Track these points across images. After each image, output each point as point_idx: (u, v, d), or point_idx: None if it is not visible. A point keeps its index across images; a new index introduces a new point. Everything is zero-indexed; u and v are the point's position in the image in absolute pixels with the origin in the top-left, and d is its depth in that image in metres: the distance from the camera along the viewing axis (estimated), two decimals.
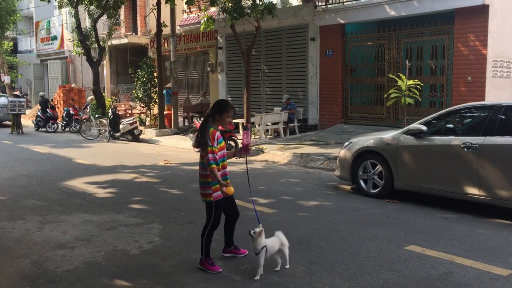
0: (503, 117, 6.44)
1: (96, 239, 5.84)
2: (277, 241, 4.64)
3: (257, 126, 14.52)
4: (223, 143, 4.70)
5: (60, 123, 20.23)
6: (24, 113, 20.61)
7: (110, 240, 5.77)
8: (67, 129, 19.83)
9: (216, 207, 4.73)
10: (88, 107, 20.63)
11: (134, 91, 20.39)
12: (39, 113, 20.34)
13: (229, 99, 19.46)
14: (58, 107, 22.52)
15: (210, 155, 4.51)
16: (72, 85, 24.72)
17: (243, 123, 14.24)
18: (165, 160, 11.81)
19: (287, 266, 4.65)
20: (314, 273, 4.67)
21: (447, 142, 6.75)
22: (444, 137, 6.93)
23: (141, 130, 16.79)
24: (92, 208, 7.29)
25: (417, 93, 11.29)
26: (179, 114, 18.48)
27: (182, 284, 4.50)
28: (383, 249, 5.26)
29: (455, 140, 6.66)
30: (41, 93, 21.98)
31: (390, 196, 7.49)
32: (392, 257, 5.03)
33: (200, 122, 13.38)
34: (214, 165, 4.50)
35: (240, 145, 4.86)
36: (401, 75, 11.49)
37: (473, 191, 6.44)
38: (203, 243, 4.76)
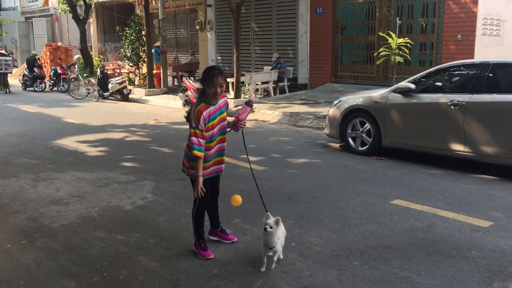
0: (491, 74, 6.54)
1: (90, 195, 5.94)
2: (282, 231, 3.97)
3: (247, 86, 14.50)
4: (219, 117, 4.03)
5: (48, 82, 19.98)
6: (11, 72, 20.29)
7: (103, 197, 5.88)
8: (55, 88, 19.61)
9: (205, 185, 4.08)
10: (76, 66, 20.33)
11: (122, 50, 20.10)
12: (26, 72, 20.06)
13: (219, 58, 19.32)
14: (45, 66, 22.17)
15: (192, 138, 3.87)
16: (59, 44, 24.25)
17: (248, 101, 14.18)
18: (155, 119, 11.83)
19: (281, 257, 4.00)
20: (302, 226, 4.84)
21: (435, 100, 6.86)
22: (432, 95, 7.03)
23: (130, 90, 16.68)
24: (84, 166, 7.37)
25: (407, 51, 11.30)
26: (168, 73, 18.33)
27: (175, 237, 4.65)
28: (370, 204, 5.44)
29: (443, 98, 6.76)
30: (33, 52, 21.58)
31: (378, 153, 7.64)
32: (378, 210, 5.21)
33: (190, 81, 13.35)
34: (196, 152, 3.86)
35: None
36: (391, 33, 11.45)
37: (458, 147, 6.60)
38: (192, 224, 4.29)
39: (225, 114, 4.10)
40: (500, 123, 6.20)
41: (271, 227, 3.76)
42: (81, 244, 4.54)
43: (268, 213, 3.89)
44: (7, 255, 4.39)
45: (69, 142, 9.13)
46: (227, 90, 14.23)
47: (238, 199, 4.05)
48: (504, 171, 6.43)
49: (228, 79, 14.76)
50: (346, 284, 3.68)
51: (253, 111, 4.32)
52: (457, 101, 6.51)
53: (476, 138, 6.41)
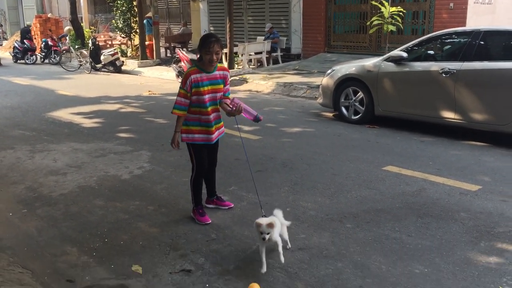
0: (482, 42, 6.60)
1: (87, 166, 6.03)
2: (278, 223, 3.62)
3: (240, 56, 14.45)
4: (211, 87, 4.02)
5: (39, 54, 19.77)
6: (1, 44, 20.03)
7: (101, 167, 5.97)
8: (46, 60, 19.42)
9: (193, 150, 4.27)
10: (67, 38, 20.08)
11: (113, 21, 19.85)
12: (16, 45, 19.82)
13: (211, 28, 19.15)
14: (35, 38, 21.88)
15: (176, 98, 4.04)
16: (49, 15, 23.88)
17: (258, 118, 14.07)
18: (149, 91, 11.82)
19: (289, 246, 3.73)
20: (297, 192, 4.97)
21: (426, 68, 6.93)
22: (424, 63, 7.09)
23: (122, 61, 16.59)
24: (80, 137, 7.43)
25: (400, 20, 11.29)
26: (160, 44, 18.17)
27: (173, 204, 4.77)
28: (362, 170, 5.57)
29: (434, 66, 6.83)
30: (27, 23, 21.25)
31: (371, 122, 7.75)
32: (370, 176, 5.35)
33: (183, 52, 13.29)
34: (175, 110, 4.04)
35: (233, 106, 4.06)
36: (384, 2, 11.40)
37: (449, 115, 6.71)
38: (191, 190, 4.38)
39: (220, 86, 4.08)
40: (490, 90, 6.30)
41: (268, 233, 3.37)
42: (81, 212, 4.65)
43: (258, 220, 3.43)
44: (9, 223, 4.50)
45: (64, 114, 9.15)
46: (220, 61, 14.20)
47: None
48: (493, 138, 6.57)
49: None
50: (339, 245, 3.83)
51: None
52: (448, 69, 6.59)
53: (466, 106, 6.51)
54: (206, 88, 4.02)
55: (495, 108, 6.27)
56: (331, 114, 8.63)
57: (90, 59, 16.22)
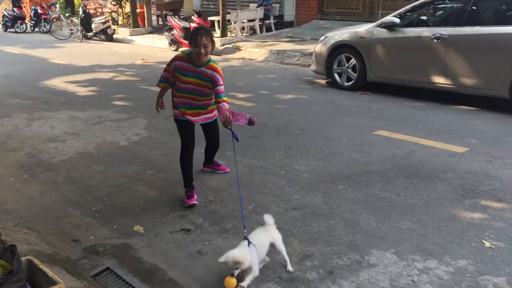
0: (473, 7, 6.66)
1: (85, 133, 6.13)
2: (265, 235, 3.13)
3: (233, 24, 14.37)
4: (194, 79, 3.97)
5: (29, 23, 19.50)
6: None
7: (98, 134, 6.08)
8: (36, 29, 19.17)
9: (177, 126, 4.30)
10: (57, 5, 19.78)
11: None
12: (6, 13, 19.51)
13: None
14: (24, 6, 21.51)
15: (163, 72, 4.16)
16: None
17: (251, 121, 13.99)
18: (142, 59, 11.81)
19: (289, 268, 3.12)
20: (291, 156, 5.12)
21: (418, 34, 7.01)
22: (416, 28, 7.16)
23: (114, 29, 16.43)
24: (76, 105, 7.50)
25: None
26: (152, 12, 17.97)
27: (171, 169, 4.92)
28: (354, 134, 5.72)
29: (426, 32, 6.91)
30: None
31: (363, 88, 7.86)
32: (362, 140, 5.50)
33: (175, 20, 13.19)
34: (158, 83, 4.24)
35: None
36: None
37: (440, 80, 6.84)
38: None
39: (206, 83, 3.95)
40: (480, 55, 6.41)
41: (236, 269, 2.81)
42: (82, 177, 4.79)
43: (227, 256, 2.84)
44: (11, 188, 4.63)
45: (58, 83, 9.17)
46: (213, 28, 14.12)
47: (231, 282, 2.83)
48: (482, 102, 6.72)
49: (214, 18, 14.61)
50: (331, 205, 4.01)
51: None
52: (440, 34, 6.68)
53: (457, 71, 6.63)
54: (189, 79, 3.98)
55: (484, 73, 6.40)
56: (324, 81, 8.72)
57: (81, 28, 16.05)
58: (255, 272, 2.94)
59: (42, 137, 6.01)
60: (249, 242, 2.96)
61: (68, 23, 17.10)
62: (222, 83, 3.93)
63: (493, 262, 3.14)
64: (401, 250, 3.32)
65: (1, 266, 2.36)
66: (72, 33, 16.54)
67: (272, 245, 3.13)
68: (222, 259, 2.85)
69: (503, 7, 6.66)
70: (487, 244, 3.35)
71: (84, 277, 3.18)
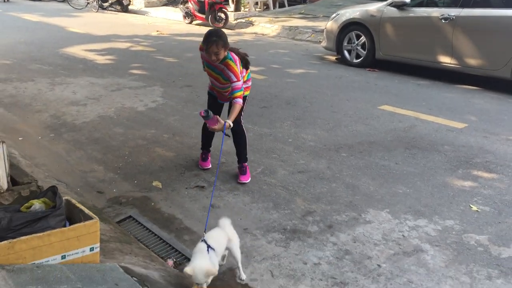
0: None
1: (105, 98, 6.48)
2: (223, 237, 2.84)
3: None
4: (212, 72, 3.96)
5: None
6: None
7: (117, 99, 6.43)
8: None
9: (208, 96, 4.30)
10: None
11: None
12: None
13: None
14: None
15: None
16: None
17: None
18: (157, 31, 12.07)
19: (243, 277, 2.90)
20: (299, 126, 5.45)
21: (428, 14, 7.22)
22: (426, 8, 7.38)
23: (129, 1, 16.63)
24: (95, 72, 7.84)
25: None
26: None
27: (186, 133, 5.27)
28: (360, 108, 6.02)
29: (435, 12, 7.12)
30: None
31: (371, 65, 8.11)
32: (367, 114, 5.81)
33: None
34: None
35: None
36: None
37: (445, 60, 7.08)
38: None
39: (219, 77, 3.89)
40: (485, 36, 6.63)
41: (205, 282, 2.58)
42: (103, 138, 5.16)
43: (193, 270, 2.53)
44: (39, 145, 5.01)
45: (77, 51, 9.49)
46: (226, 2, 14.28)
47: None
48: (486, 82, 6.97)
49: None
50: (334, 170, 4.35)
51: (228, 136, 3.80)
52: (448, 15, 6.89)
53: (462, 51, 6.86)
54: (208, 70, 3.98)
55: (488, 54, 6.63)
56: (334, 58, 8.96)
57: None
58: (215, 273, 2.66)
59: (65, 100, 6.37)
60: (208, 246, 2.68)
61: None
62: (235, 79, 3.72)
63: (478, 223, 3.48)
64: (395, 210, 3.66)
65: (44, 203, 2.73)
66: (88, 3, 16.76)
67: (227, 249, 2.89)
68: (188, 271, 2.52)
69: None
70: (474, 208, 3.68)
71: (109, 222, 3.56)
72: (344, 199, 3.84)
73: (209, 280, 2.60)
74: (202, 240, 2.74)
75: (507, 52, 6.41)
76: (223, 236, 2.84)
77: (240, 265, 2.92)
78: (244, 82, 3.91)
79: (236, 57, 3.78)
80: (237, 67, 3.75)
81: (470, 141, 4.95)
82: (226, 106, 4.07)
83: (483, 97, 6.46)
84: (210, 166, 4.46)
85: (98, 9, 16.22)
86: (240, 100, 3.74)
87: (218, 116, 3.67)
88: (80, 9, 16.68)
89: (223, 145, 3.72)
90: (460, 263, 3.05)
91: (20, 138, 5.12)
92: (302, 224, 3.50)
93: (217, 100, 4.19)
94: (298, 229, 3.44)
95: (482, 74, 6.87)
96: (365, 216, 3.59)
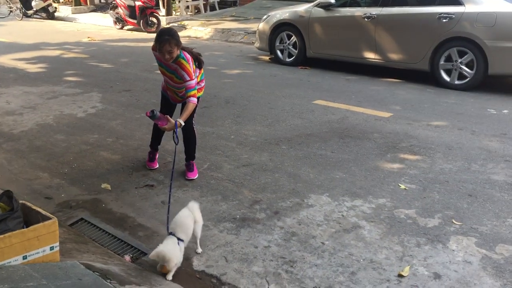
0: None
1: (41, 106, 6.40)
2: (190, 218, 3.14)
3: (177, 2, 14.61)
4: (165, 71, 4.02)
5: None
6: None
7: (55, 107, 6.37)
8: None
9: (161, 95, 4.40)
10: None
11: None
12: None
13: None
14: None
15: None
16: None
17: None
18: (88, 37, 11.89)
19: (199, 250, 3.25)
20: (239, 123, 5.69)
21: (352, 13, 7.73)
22: (349, 8, 7.88)
23: (55, 7, 16.19)
24: (28, 81, 7.67)
25: None
26: None
27: (130, 136, 5.35)
28: (295, 104, 6.37)
29: (358, 11, 7.64)
30: None
31: (303, 63, 8.53)
32: (302, 109, 6.16)
33: None
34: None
35: None
36: None
37: (370, 55, 7.61)
38: None
39: (173, 76, 3.96)
40: (404, 32, 7.21)
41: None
42: (45, 145, 5.14)
43: (157, 253, 2.87)
44: None
45: (5, 60, 9.20)
46: (157, 7, 14.29)
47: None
48: (407, 74, 7.57)
49: None
50: (276, 162, 4.63)
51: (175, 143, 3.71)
52: (370, 13, 7.42)
53: (385, 47, 7.42)
54: (162, 69, 4.03)
55: (408, 49, 7.22)
56: (267, 57, 9.30)
57: (21, 5, 15.70)
58: (178, 264, 2.98)
59: None
60: (178, 239, 2.97)
61: (7, 1, 16.62)
62: (188, 78, 3.80)
63: (406, 199, 3.88)
64: (334, 194, 3.99)
65: (0, 208, 2.78)
66: (11, 11, 16.13)
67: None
68: (152, 255, 2.87)
69: None
70: (402, 186, 4.09)
71: (62, 225, 3.61)
72: (287, 187, 4.12)
73: (167, 264, 2.89)
74: (170, 233, 3.02)
75: (424, 46, 7.01)
76: (191, 220, 3.13)
77: (198, 241, 3.25)
78: (198, 82, 4.03)
79: (188, 56, 3.87)
80: (190, 66, 3.83)
81: (396, 128, 5.42)
82: (178, 107, 4.18)
83: (405, 88, 7.03)
84: (157, 166, 4.58)
85: (22, 17, 15.66)
86: (194, 99, 3.82)
87: (168, 116, 3.76)
88: (3, 18, 16.02)
89: (169, 144, 3.87)
90: (393, 235, 3.41)
91: None
92: (250, 213, 3.73)
93: (170, 101, 4.27)
94: (247, 217, 3.68)
95: (404, 68, 7.46)
96: (307, 201, 3.89)
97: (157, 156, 4.61)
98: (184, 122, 3.81)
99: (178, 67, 3.83)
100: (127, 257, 3.27)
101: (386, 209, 3.75)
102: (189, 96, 3.82)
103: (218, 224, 3.59)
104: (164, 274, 2.99)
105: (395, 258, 3.14)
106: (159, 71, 4.19)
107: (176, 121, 3.70)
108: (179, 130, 3.79)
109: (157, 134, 4.48)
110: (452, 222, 3.54)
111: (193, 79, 3.85)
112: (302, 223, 3.58)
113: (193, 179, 4.32)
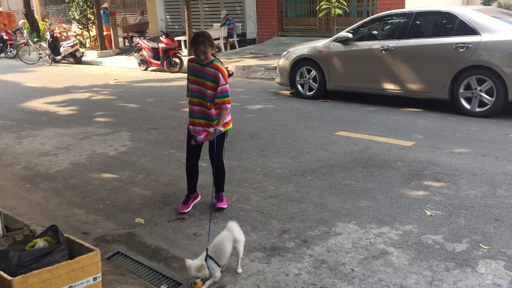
0: (414, 22, 7.66)
1: (74, 147, 6.69)
2: (228, 239, 3.40)
3: None
4: (201, 80, 4.10)
5: None
6: None
7: (87, 147, 6.65)
8: (2, 54, 19.40)
9: (187, 135, 4.38)
10: (25, 31, 20.05)
11: (70, 12, 19.96)
12: None
13: (168, 17, 19.63)
14: None
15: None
16: (0, 9, 23.58)
17: (185, 40, 14.73)
18: (115, 79, 12.37)
19: (239, 270, 3.45)
20: (264, 156, 5.86)
21: (369, 46, 7.94)
22: (367, 42, 8.10)
23: (82, 52, 16.90)
24: (60, 123, 8.03)
25: (345, 4, 12.30)
26: (118, 34, 18.53)
27: (160, 172, 5.56)
28: (318, 136, 6.52)
29: (376, 44, 7.85)
30: None
31: (324, 96, 8.73)
32: (325, 140, 6.30)
33: (144, 41, 13.82)
34: (187, 93, 4.31)
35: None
36: None
37: (389, 86, 7.77)
38: None
39: (209, 83, 4.06)
40: (422, 63, 7.37)
41: (198, 278, 3.27)
42: (80, 183, 5.37)
43: (189, 267, 3.27)
44: (17, 196, 5.16)
45: (38, 104, 9.64)
46: (180, 48, 14.81)
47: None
48: (426, 104, 7.69)
49: (181, 38, 15.32)
50: (302, 192, 4.75)
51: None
52: (387, 46, 7.62)
53: (403, 77, 7.57)
54: (196, 79, 4.12)
55: (426, 78, 7.35)
56: (288, 92, 9.54)
57: (50, 51, 16.45)
58: (216, 277, 3.30)
59: (35, 152, 6.53)
60: (207, 255, 3.30)
61: (37, 48, 17.44)
62: (224, 82, 4.02)
63: (433, 225, 3.95)
64: (361, 222, 4.08)
65: (46, 241, 2.97)
66: (40, 57, 16.90)
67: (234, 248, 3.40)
68: (186, 262, 3.28)
69: (440, 21, 7.66)
70: (428, 213, 4.16)
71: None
72: (315, 216, 4.23)
73: (200, 278, 3.25)
74: (206, 250, 3.37)
75: (443, 76, 7.14)
76: (227, 240, 3.38)
77: (240, 260, 3.46)
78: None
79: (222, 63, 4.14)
80: (225, 70, 4.04)
81: (419, 156, 5.50)
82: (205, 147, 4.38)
83: (425, 117, 7.13)
84: (189, 209, 4.50)
85: (51, 63, 16.38)
86: (228, 106, 4.08)
87: (205, 128, 4.08)
88: (33, 64, 16.78)
89: (202, 179, 4.03)
90: (421, 260, 3.47)
91: None
92: (279, 242, 3.84)
93: (195, 141, 4.12)
94: (277, 246, 3.79)
95: (423, 97, 7.59)
96: (335, 229, 3.99)
97: (194, 200, 4.57)
98: (216, 154, 4.13)
99: (215, 70, 4.02)
100: (163, 287, 3.41)
101: (413, 235, 3.81)
102: (225, 102, 4.07)
103: (249, 253, 3.70)
104: None
105: (425, 283, 3.20)
106: (185, 109, 4.39)
107: (215, 129, 4.01)
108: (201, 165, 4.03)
109: (191, 176, 4.49)
110: (480, 246, 3.59)
111: (228, 84, 4.08)
112: (331, 250, 3.67)
113: (224, 208, 4.46)
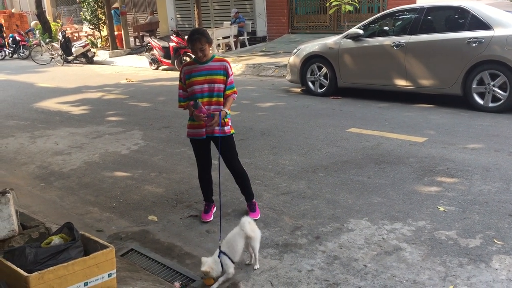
0: (426, 17, 7.59)
1: (87, 146, 6.76)
2: (240, 236, 3.42)
3: None
4: (206, 77, 3.95)
5: (7, 50, 19.92)
6: None
7: (100, 146, 6.71)
8: (15, 55, 19.62)
9: (192, 145, 4.24)
10: (37, 32, 20.26)
11: (81, 13, 20.12)
12: None
13: (178, 16, 19.69)
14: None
15: (178, 91, 4.12)
16: (12, 11, 23.84)
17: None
18: (126, 79, 12.45)
19: (256, 266, 3.48)
20: (276, 154, 5.86)
21: (380, 43, 7.90)
22: (378, 38, 8.06)
23: (94, 52, 17.03)
24: (73, 123, 8.11)
25: (356, 0, 12.24)
26: (129, 34, 18.63)
27: (172, 170, 5.59)
28: (329, 133, 6.51)
29: (387, 40, 7.80)
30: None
31: (335, 93, 8.70)
32: (336, 137, 6.29)
33: (155, 40, 13.88)
34: (179, 103, 4.13)
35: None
36: None
37: (401, 82, 7.72)
38: None
39: (219, 77, 3.97)
40: (433, 58, 7.31)
41: (205, 274, 3.32)
42: (93, 181, 5.43)
43: (202, 263, 3.34)
44: (32, 195, 5.23)
45: (51, 104, 9.75)
46: None
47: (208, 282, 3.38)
48: (439, 99, 7.63)
49: None
50: (314, 189, 4.75)
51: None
52: (399, 42, 7.57)
53: (415, 73, 7.52)
54: (201, 78, 3.95)
55: (439, 74, 7.29)
56: (299, 89, 9.53)
57: (62, 52, 16.61)
58: (229, 274, 3.33)
59: (49, 151, 6.60)
60: (220, 252, 3.34)
61: (49, 48, 17.62)
62: (232, 72, 4.05)
63: (446, 221, 3.93)
64: (373, 218, 4.07)
65: (62, 238, 3.01)
66: (53, 58, 17.06)
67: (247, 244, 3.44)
68: (202, 260, 3.35)
69: (451, 16, 7.60)
70: (441, 208, 4.13)
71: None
72: (327, 213, 4.23)
73: (207, 276, 3.29)
74: (219, 247, 3.40)
75: (455, 71, 7.08)
76: (238, 236, 3.41)
77: (257, 256, 3.50)
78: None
79: None
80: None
81: (431, 152, 5.47)
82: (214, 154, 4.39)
83: (438, 113, 7.07)
84: (211, 219, 4.32)
85: (63, 63, 16.53)
86: (235, 95, 4.18)
87: (209, 112, 3.89)
88: (45, 64, 16.94)
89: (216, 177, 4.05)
90: (434, 256, 3.46)
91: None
92: (292, 238, 3.85)
93: (204, 142, 4.14)
94: (289, 243, 3.79)
95: (435, 93, 7.53)
96: (347, 225, 3.98)
97: (213, 210, 4.42)
98: (231, 163, 4.22)
99: (220, 62, 4.01)
100: (177, 284, 3.43)
101: (426, 231, 3.80)
102: (234, 93, 4.16)
103: (262, 250, 3.71)
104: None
105: (438, 279, 3.19)
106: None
107: (220, 111, 3.94)
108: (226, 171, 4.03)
109: (205, 185, 4.36)
110: (494, 241, 3.56)
111: (232, 75, 4.13)
112: (343, 246, 3.67)
113: (256, 219, 4.11)
